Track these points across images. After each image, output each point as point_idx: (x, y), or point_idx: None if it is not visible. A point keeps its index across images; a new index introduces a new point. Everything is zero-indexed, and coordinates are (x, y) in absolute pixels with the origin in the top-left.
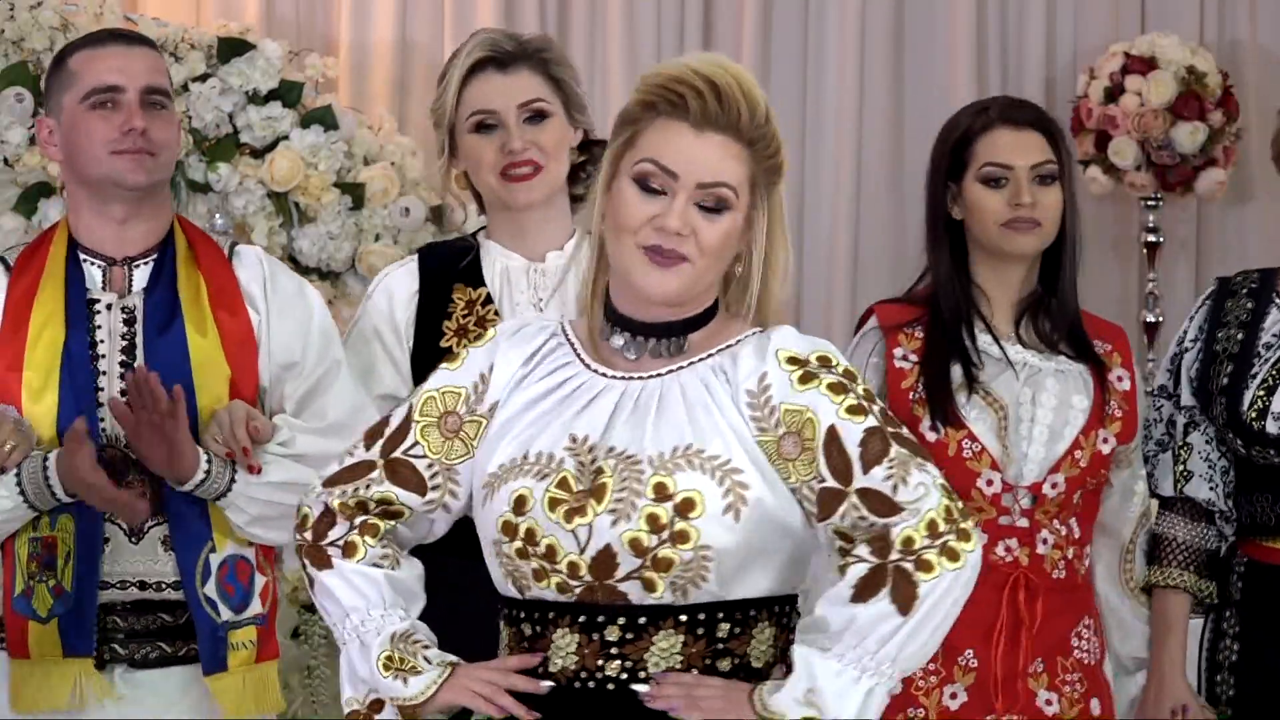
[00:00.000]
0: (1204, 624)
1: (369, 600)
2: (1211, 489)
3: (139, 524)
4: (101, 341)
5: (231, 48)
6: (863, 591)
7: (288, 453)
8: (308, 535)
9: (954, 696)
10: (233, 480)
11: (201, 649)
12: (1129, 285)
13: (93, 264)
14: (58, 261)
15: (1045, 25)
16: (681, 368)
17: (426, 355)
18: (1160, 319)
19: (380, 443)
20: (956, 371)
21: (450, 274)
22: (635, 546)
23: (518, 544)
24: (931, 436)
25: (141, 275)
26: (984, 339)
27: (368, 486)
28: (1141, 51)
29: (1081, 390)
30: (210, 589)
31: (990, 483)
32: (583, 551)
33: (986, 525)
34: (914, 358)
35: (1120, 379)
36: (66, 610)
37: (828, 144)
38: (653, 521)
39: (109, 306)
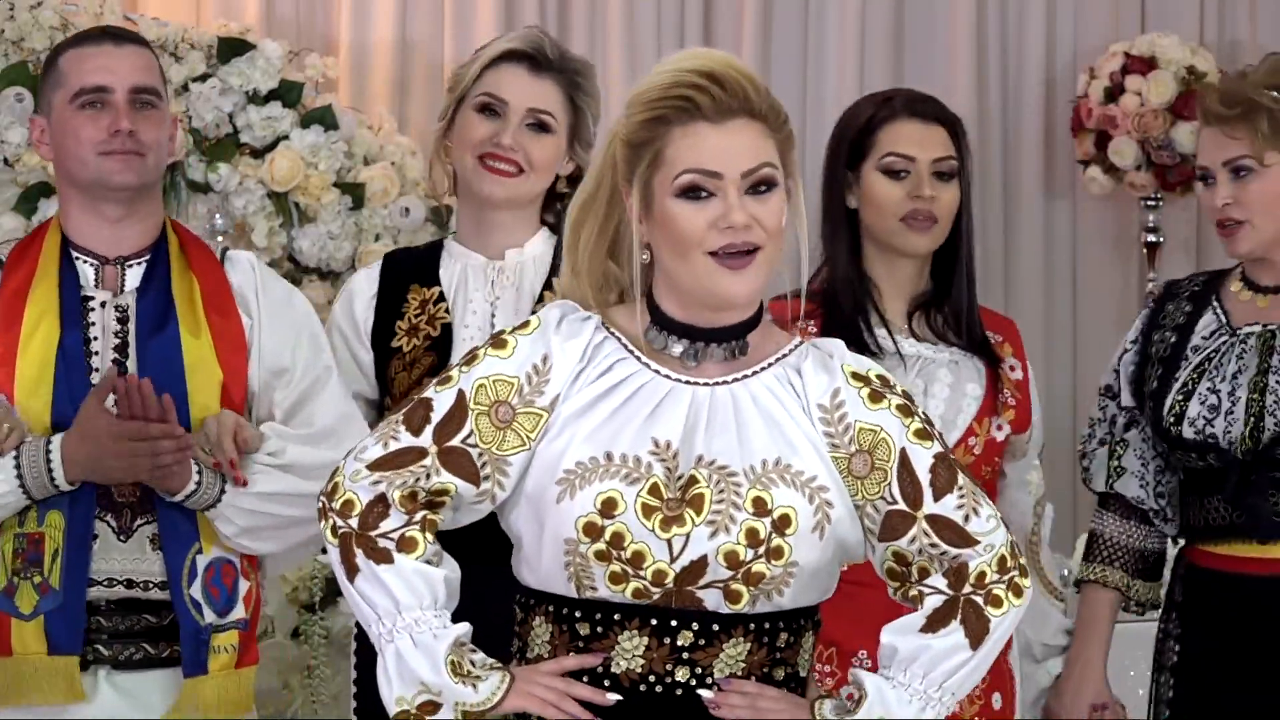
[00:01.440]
0: (1158, 625)
1: (424, 599)
2: (1142, 487)
3: (178, 485)
4: (95, 339)
5: (231, 48)
6: (935, 623)
7: (277, 463)
8: (353, 523)
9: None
10: (222, 491)
11: (184, 650)
12: (1129, 285)
13: (86, 262)
14: (51, 259)
15: (1045, 25)
16: (746, 376)
17: (381, 356)
18: None
19: (430, 429)
20: None
21: (408, 275)
22: (730, 559)
23: (599, 546)
24: None
25: (134, 275)
26: (880, 333)
27: (427, 476)
28: (1141, 51)
29: (974, 379)
30: (196, 590)
31: None
32: (674, 560)
33: None
34: None
35: (1013, 369)
36: (54, 608)
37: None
38: (752, 536)
39: (103, 305)
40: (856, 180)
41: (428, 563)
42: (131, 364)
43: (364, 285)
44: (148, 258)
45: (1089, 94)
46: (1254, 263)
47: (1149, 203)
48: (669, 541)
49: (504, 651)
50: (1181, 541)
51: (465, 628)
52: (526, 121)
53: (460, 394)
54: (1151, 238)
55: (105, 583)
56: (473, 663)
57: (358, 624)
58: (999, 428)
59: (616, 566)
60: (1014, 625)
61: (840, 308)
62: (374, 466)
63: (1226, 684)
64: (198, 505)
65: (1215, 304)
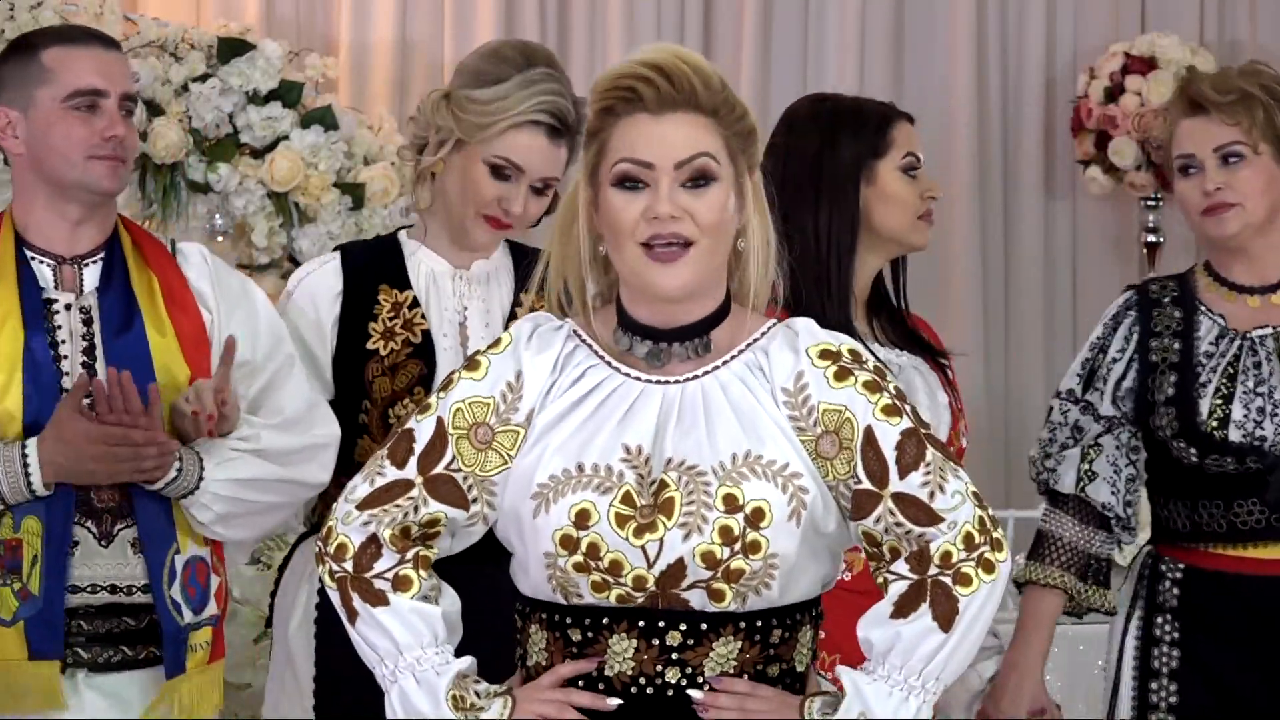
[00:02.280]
0: (1121, 630)
1: (423, 638)
2: (1113, 494)
3: (160, 476)
4: (63, 342)
5: (231, 48)
6: (903, 608)
7: (251, 448)
8: (348, 566)
9: None
10: (201, 478)
11: (166, 651)
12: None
13: (42, 262)
14: (6, 259)
15: (1045, 25)
16: (716, 368)
17: (351, 356)
18: None
19: (414, 460)
20: None
21: (375, 274)
22: (708, 560)
23: (577, 558)
24: None
25: (91, 274)
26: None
27: (415, 509)
28: (1141, 51)
29: (939, 386)
30: (175, 591)
31: None
32: (651, 566)
33: None
34: None
35: (948, 369)
36: (34, 613)
37: None
38: (725, 534)
39: (67, 307)
40: (870, 179)
41: (425, 598)
42: (99, 365)
43: (329, 283)
44: (102, 255)
45: (1089, 94)
46: (1226, 255)
47: (1149, 203)
48: (643, 548)
49: (490, 649)
50: (1147, 546)
51: (469, 661)
52: (536, 187)
53: (439, 421)
54: (1151, 238)
55: (89, 589)
56: (476, 693)
57: (318, 604)
58: (963, 435)
59: (596, 576)
60: (990, 602)
61: (825, 314)
62: (363, 505)
63: (1248, 687)
64: (175, 492)
65: (1203, 308)
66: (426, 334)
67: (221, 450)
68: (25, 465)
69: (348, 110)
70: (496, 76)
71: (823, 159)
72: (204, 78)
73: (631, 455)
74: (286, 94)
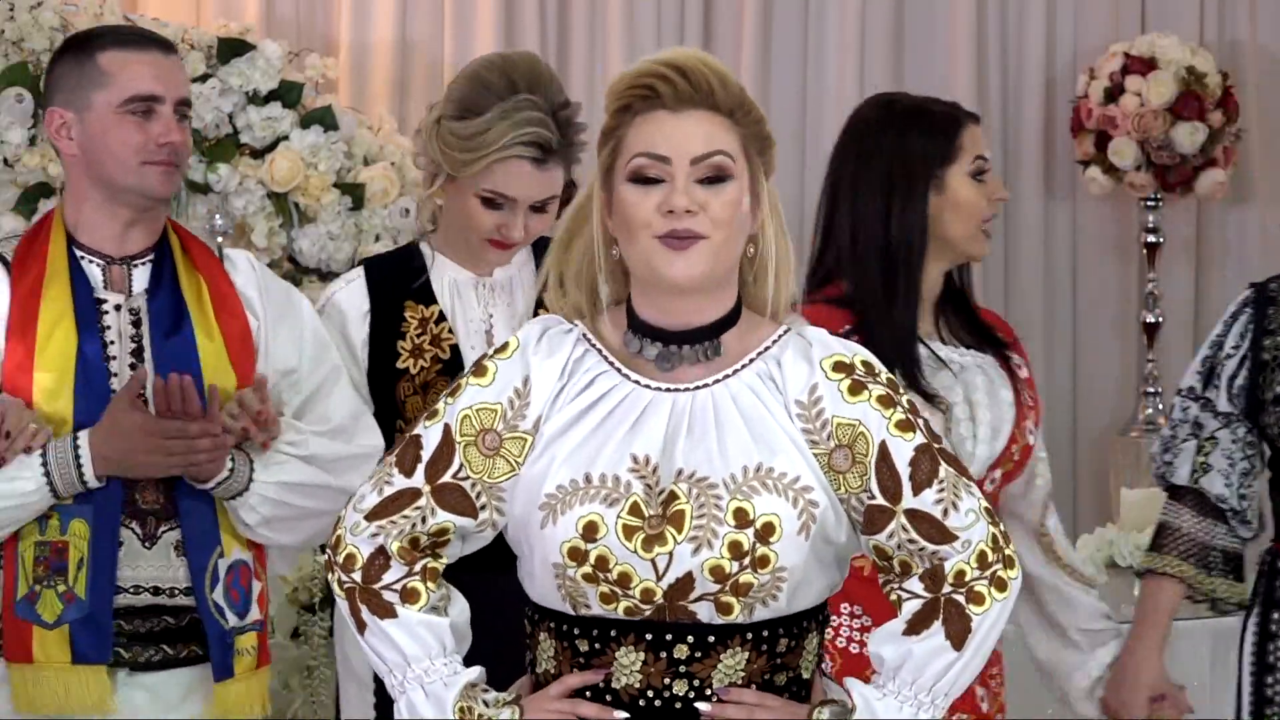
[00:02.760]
0: (1243, 625)
1: (431, 649)
2: (1227, 486)
3: (214, 471)
4: (112, 343)
5: (231, 48)
6: (916, 625)
7: (299, 453)
8: (356, 577)
9: None
10: (251, 479)
11: (213, 655)
12: (1129, 285)
13: (93, 263)
14: (59, 259)
15: (1045, 25)
16: (726, 376)
17: (383, 375)
18: (1160, 319)
19: (422, 468)
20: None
21: (400, 290)
22: (717, 574)
23: (585, 569)
24: None
25: (140, 276)
26: (933, 343)
27: (423, 519)
28: (1141, 51)
29: (1003, 383)
30: (219, 594)
31: None
32: (660, 579)
33: None
34: None
35: (1020, 367)
36: (79, 617)
37: (828, 144)
38: (735, 549)
39: (117, 308)
40: (942, 183)
41: (433, 609)
42: (148, 367)
43: (355, 301)
44: (151, 258)
45: (1089, 94)
46: None
47: (1149, 203)
48: (653, 561)
49: (498, 658)
50: (1267, 541)
51: (478, 672)
52: (530, 209)
53: (446, 428)
54: (1151, 238)
55: (132, 590)
56: (485, 703)
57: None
58: (1030, 432)
59: (605, 587)
60: (1001, 619)
61: (892, 317)
62: (372, 516)
63: None
64: (227, 493)
65: None
66: (455, 349)
67: (271, 453)
68: (77, 456)
69: (348, 110)
70: (478, 107)
71: (893, 166)
72: (204, 78)
73: (639, 465)
74: (286, 94)
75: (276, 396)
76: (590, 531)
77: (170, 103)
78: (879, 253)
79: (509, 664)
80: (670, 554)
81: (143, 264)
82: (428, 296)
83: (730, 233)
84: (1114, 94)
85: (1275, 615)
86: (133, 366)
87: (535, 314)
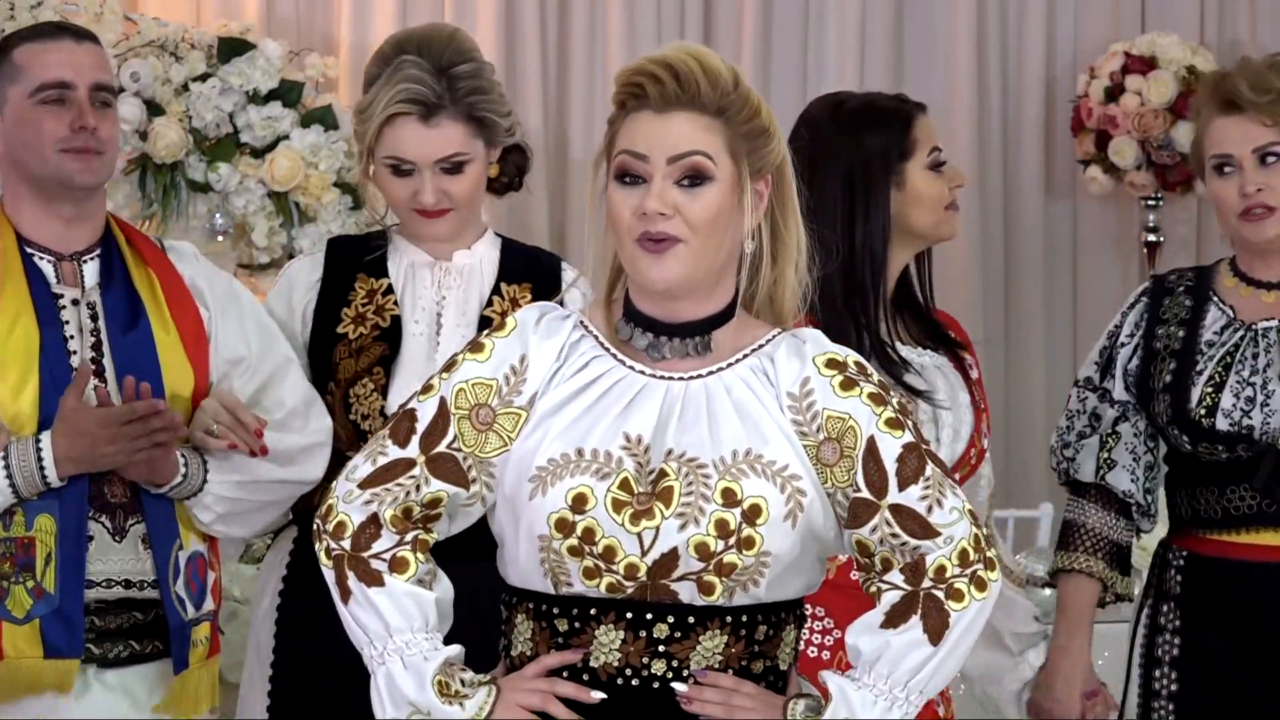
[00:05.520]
0: (1135, 618)
1: (414, 622)
2: (1132, 481)
3: (166, 478)
4: (72, 337)
5: (232, 48)
6: (894, 618)
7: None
8: (345, 544)
9: None
10: (205, 480)
11: (173, 647)
12: (1129, 285)
13: (43, 259)
14: (11, 255)
15: (1045, 25)
16: (721, 368)
17: (322, 341)
18: None
19: (416, 439)
20: None
21: (355, 264)
22: (701, 551)
23: (571, 541)
24: None
25: (91, 270)
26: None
27: (417, 488)
28: (1141, 51)
29: (960, 386)
30: (180, 586)
31: None
32: (645, 554)
33: None
34: None
35: (971, 368)
36: (50, 611)
37: None
38: (721, 527)
39: (74, 302)
40: (899, 183)
41: (420, 582)
42: (107, 361)
43: (306, 272)
44: (99, 252)
45: (1089, 94)
46: (1256, 255)
47: (1149, 202)
48: (639, 535)
49: (479, 646)
50: (1164, 532)
51: (457, 649)
52: (440, 168)
53: (441, 400)
54: (1151, 237)
55: (104, 584)
56: (462, 681)
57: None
58: (985, 435)
59: (589, 562)
60: (979, 619)
61: (857, 318)
62: (365, 484)
63: (1243, 675)
64: (181, 495)
65: (1215, 299)
66: (396, 320)
67: (224, 453)
68: (40, 459)
69: (348, 110)
70: (371, 77)
71: (851, 165)
72: (204, 77)
73: (631, 444)
74: (286, 94)
75: (226, 385)
76: (579, 503)
77: (84, 88)
78: (843, 258)
79: (492, 652)
80: (657, 529)
81: (91, 259)
82: (379, 270)
83: (711, 235)
84: (1114, 93)
85: (1164, 608)
86: (93, 360)
87: (490, 302)
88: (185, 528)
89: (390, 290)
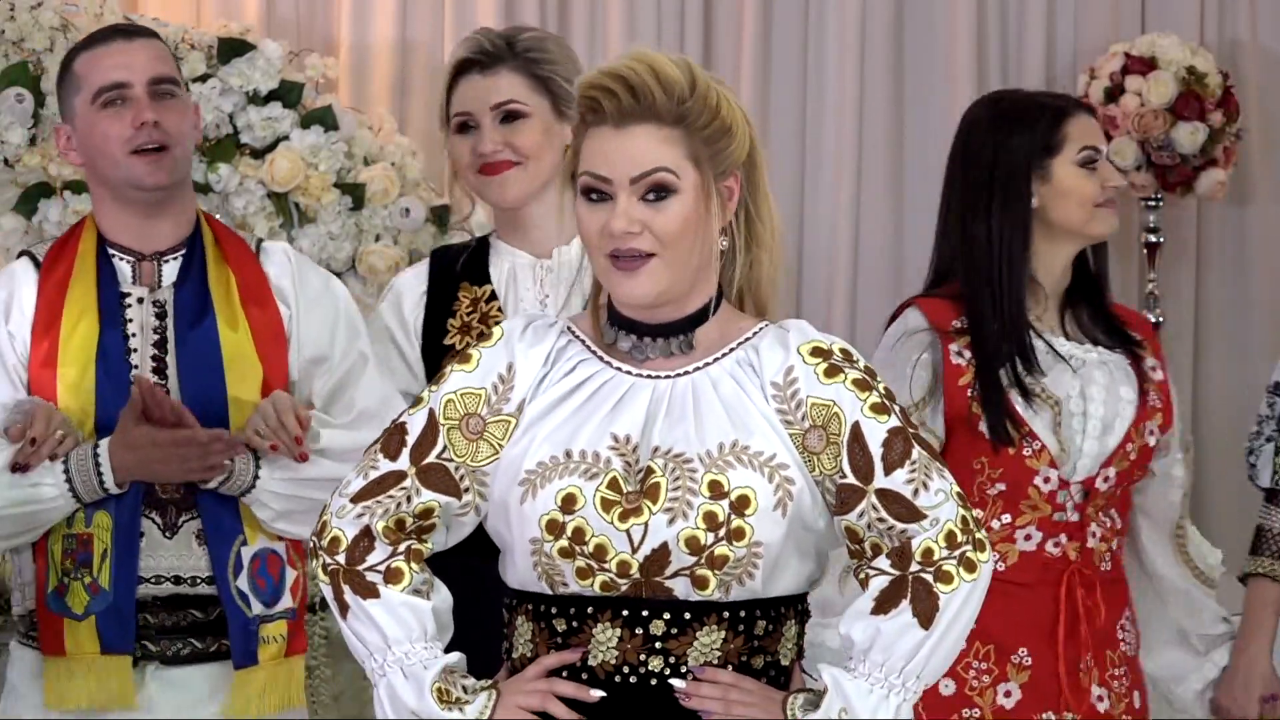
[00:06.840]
0: None
1: (412, 632)
2: None
3: (213, 477)
4: (134, 335)
5: (231, 48)
6: (884, 604)
7: (313, 447)
8: (340, 559)
9: (1008, 695)
10: (256, 477)
11: (233, 643)
12: (1129, 285)
13: (122, 259)
14: (87, 257)
15: (1045, 25)
16: (707, 364)
17: (432, 353)
18: (1160, 319)
19: (407, 451)
20: (1007, 368)
21: (458, 273)
22: (692, 545)
23: (562, 543)
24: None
25: (171, 270)
26: (1046, 335)
27: (408, 499)
28: (1141, 51)
29: (1126, 382)
30: (243, 582)
31: (1047, 480)
32: (635, 551)
33: (1040, 522)
34: (968, 354)
35: (1154, 369)
36: (105, 608)
37: (828, 144)
38: (710, 519)
39: (140, 300)
40: (1046, 176)
41: (416, 592)
42: (170, 359)
43: (412, 283)
44: (183, 252)
45: (1089, 94)
46: None
47: (1149, 203)
48: (628, 532)
49: (480, 644)
50: None
51: (457, 657)
52: (498, 119)
53: (430, 413)
54: (1151, 238)
55: (153, 580)
56: (463, 688)
57: None
58: (1150, 433)
59: (581, 562)
60: (971, 602)
61: (1002, 310)
62: (357, 498)
63: None
64: (231, 491)
65: None
66: None
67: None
68: (98, 466)
69: (348, 110)
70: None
71: (995, 160)
72: (204, 78)
73: (619, 444)
74: (286, 94)
75: (307, 384)
76: (569, 503)
77: (140, 85)
78: (984, 250)
79: (495, 655)
80: (646, 525)
81: (174, 258)
82: (481, 277)
83: (682, 245)
84: (1114, 94)
85: None
86: (155, 358)
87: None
88: (250, 524)
89: (494, 296)
